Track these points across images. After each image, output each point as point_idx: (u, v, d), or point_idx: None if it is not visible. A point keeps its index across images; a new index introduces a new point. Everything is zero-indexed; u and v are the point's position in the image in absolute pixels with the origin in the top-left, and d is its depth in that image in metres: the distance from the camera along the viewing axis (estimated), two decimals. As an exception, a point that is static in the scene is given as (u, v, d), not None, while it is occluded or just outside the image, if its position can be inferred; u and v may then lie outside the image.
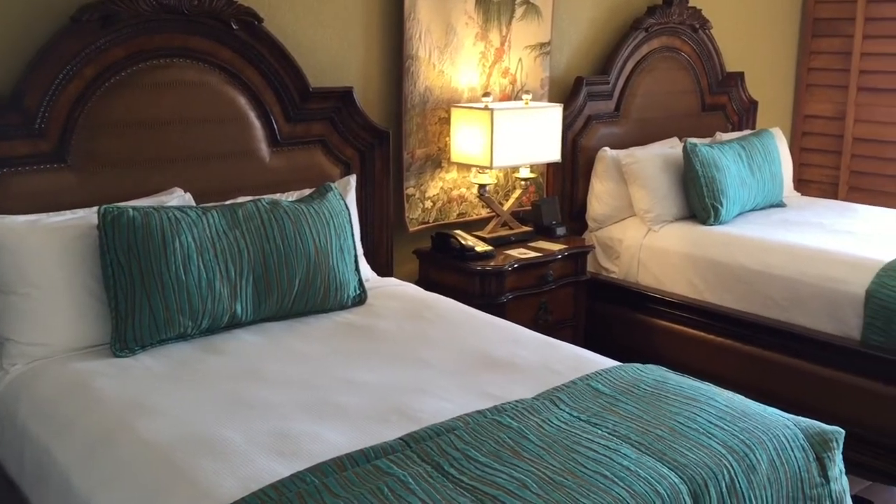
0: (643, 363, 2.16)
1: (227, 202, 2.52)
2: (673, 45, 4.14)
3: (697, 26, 4.20)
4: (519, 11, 3.53)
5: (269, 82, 2.80)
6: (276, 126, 2.83)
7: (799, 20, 4.98)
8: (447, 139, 3.36)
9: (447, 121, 3.35)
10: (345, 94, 2.98)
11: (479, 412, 1.83)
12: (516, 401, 1.89)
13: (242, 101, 2.75)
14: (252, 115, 2.78)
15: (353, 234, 2.62)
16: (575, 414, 1.84)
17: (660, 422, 1.81)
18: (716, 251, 3.40)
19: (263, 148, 2.81)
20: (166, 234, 2.22)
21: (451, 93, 3.37)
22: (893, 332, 2.83)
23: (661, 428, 1.79)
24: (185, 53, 2.62)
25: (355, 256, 2.61)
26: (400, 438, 1.70)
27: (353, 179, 2.90)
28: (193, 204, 2.52)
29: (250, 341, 2.29)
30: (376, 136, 3.07)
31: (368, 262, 2.94)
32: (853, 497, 1.90)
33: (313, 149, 2.94)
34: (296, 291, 2.41)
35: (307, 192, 2.71)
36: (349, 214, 2.63)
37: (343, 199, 2.65)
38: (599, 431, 1.76)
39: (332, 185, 2.68)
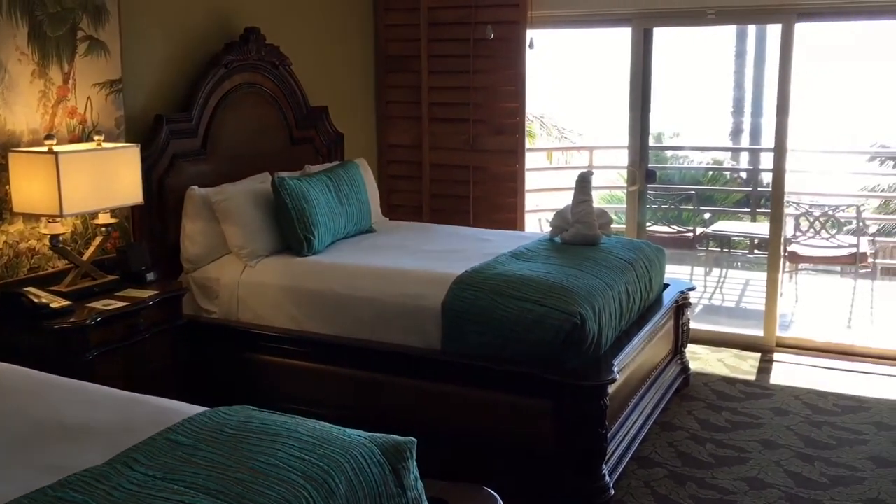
0: (249, 402, 2.12)
1: None
2: (255, 81, 4.19)
3: (277, 63, 4.30)
4: (82, 47, 3.31)
5: None
6: None
7: (374, 57, 5.36)
8: (7, 188, 3.03)
9: (5, 167, 3.01)
10: None
11: (39, 490, 1.65)
12: (85, 470, 1.74)
13: None
14: None
15: None
16: (150, 473, 1.74)
17: (241, 464, 1.79)
18: (310, 281, 3.50)
19: None
20: None
21: (8, 136, 3.05)
22: (467, 339, 3.15)
23: (241, 471, 1.76)
24: None
25: None
26: (-67, 542, 1.47)
27: None
28: None
29: None
30: (-90, 189, 2.66)
31: (-88, 335, 2.53)
32: (430, 500, 2.05)
33: None
34: None
35: None
36: None
37: None
38: (175, 487, 1.69)
39: None
